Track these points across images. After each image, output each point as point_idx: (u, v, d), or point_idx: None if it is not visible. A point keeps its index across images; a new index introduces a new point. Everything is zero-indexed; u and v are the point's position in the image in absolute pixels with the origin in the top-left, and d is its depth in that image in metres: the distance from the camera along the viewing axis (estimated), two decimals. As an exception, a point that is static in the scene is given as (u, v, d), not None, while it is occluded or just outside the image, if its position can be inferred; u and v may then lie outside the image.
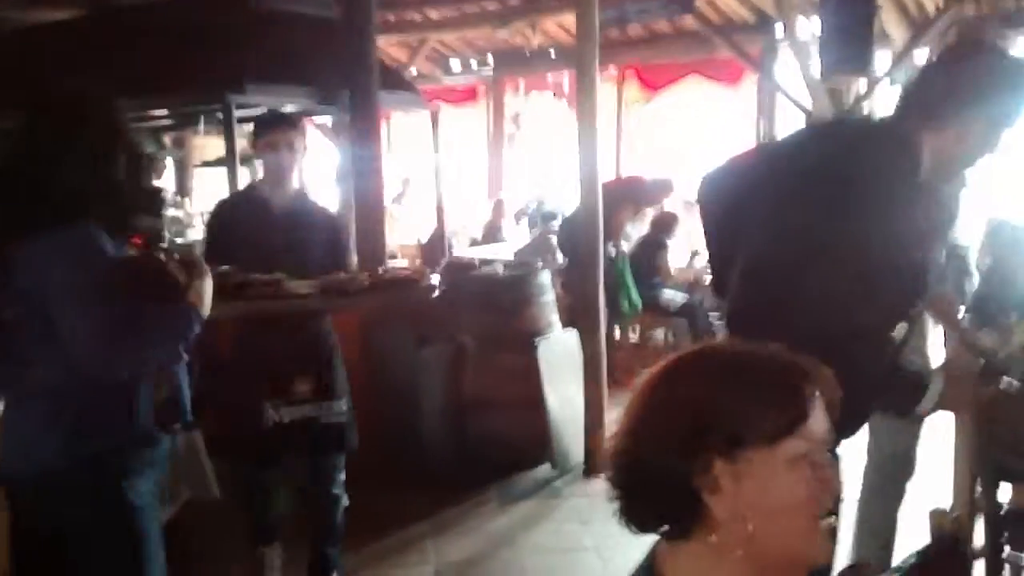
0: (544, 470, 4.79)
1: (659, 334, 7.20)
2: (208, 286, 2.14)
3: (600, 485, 4.28)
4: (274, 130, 3.33)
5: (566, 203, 9.75)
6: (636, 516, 1.17)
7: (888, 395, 1.96)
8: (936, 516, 1.37)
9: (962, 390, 2.02)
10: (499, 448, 4.73)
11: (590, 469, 4.75)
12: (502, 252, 8.12)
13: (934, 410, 1.97)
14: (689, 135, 10.33)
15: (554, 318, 5.00)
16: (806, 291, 1.81)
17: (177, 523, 2.29)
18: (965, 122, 1.89)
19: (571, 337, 5.00)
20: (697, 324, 6.84)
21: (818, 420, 1.11)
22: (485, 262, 5.19)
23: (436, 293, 4.07)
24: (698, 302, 6.96)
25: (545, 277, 4.96)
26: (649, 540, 1.21)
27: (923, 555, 1.35)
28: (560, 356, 4.86)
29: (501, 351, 4.74)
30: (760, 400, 1.10)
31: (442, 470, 4.61)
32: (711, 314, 7.06)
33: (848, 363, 1.23)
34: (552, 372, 4.76)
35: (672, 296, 6.98)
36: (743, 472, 1.09)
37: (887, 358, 1.88)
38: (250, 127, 3.73)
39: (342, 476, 3.45)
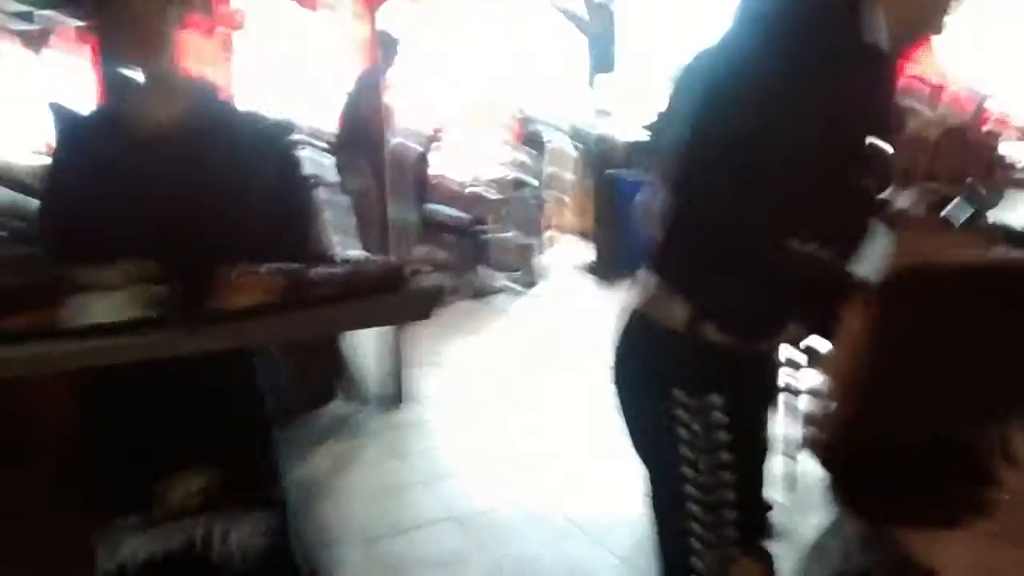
0: (337, 407, 4.31)
1: (431, 252, 6.83)
2: None
3: (408, 415, 3.95)
4: None
5: (307, 117, 9.05)
6: (891, 507, 0.82)
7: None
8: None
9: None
10: (285, 389, 4.18)
11: (392, 400, 4.36)
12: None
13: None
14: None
15: (337, 238, 4.47)
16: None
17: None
18: None
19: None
20: (470, 241, 6.57)
21: None
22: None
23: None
24: (471, 218, 6.68)
25: (340, 198, 4.40)
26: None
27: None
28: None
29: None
30: None
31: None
32: (483, 230, 6.85)
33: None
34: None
35: (445, 212, 6.63)
36: None
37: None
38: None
39: None
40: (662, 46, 7.62)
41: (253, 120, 1.90)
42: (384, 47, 5.95)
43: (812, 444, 0.87)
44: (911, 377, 0.80)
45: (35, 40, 6.54)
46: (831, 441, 0.84)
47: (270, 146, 1.85)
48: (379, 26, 4.90)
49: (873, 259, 1.40)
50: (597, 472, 3.56)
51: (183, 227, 1.63)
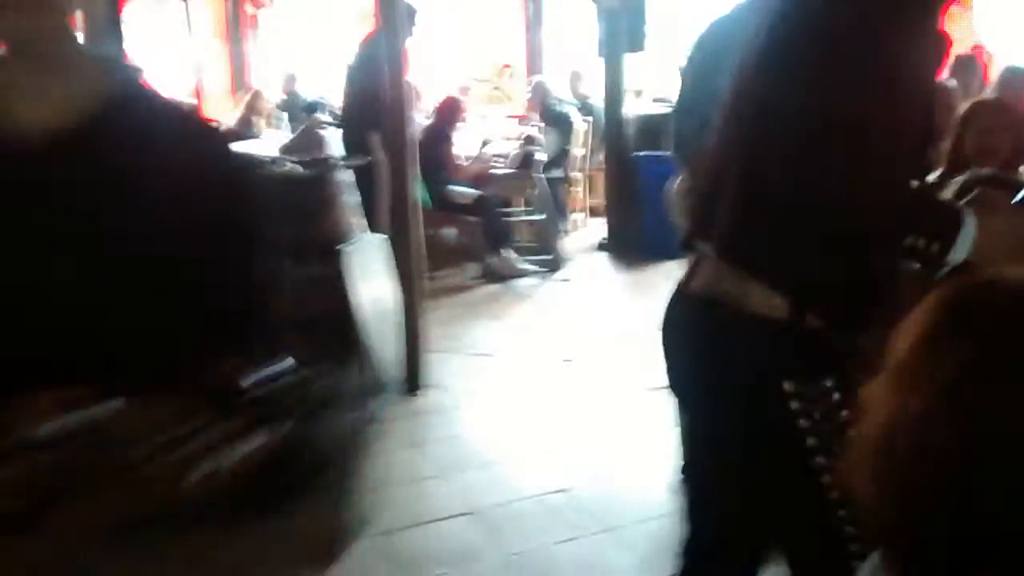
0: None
1: (449, 233, 6.75)
2: None
3: (425, 402, 3.88)
4: None
5: (328, 92, 8.97)
6: None
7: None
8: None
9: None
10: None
11: (410, 386, 4.30)
12: (261, 149, 7.29)
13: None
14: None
15: (359, 221, 4.40)
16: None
17: None
18: None
19: (378, 242, 4.45)
20: (490, 221, 6.46)
21: None
22: (275, 160, 4.46)
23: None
24: (490, 197, 6.58)
25: (346, 175, 4.32)
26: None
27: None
28: (369, 263, 4.30)
29: (300, 261, 4.09)
30: None
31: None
32: (503, 210, 6.75)
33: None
34: (360, 282, 4.20)
35: (462, 191, 6.53)
36: None
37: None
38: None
39: None
40: (689, 23, 7.47)
41: (184, 123, 1.24)
42: (401, 17, 5.81)
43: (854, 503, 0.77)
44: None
45: None
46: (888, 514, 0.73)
47: (211, 169, 1.18)
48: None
49: (964, 246, 1.43)
50: (619, 466, 3.50)
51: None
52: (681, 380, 1.67)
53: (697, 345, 1.60)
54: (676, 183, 3.04)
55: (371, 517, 2.99)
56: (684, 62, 2.99)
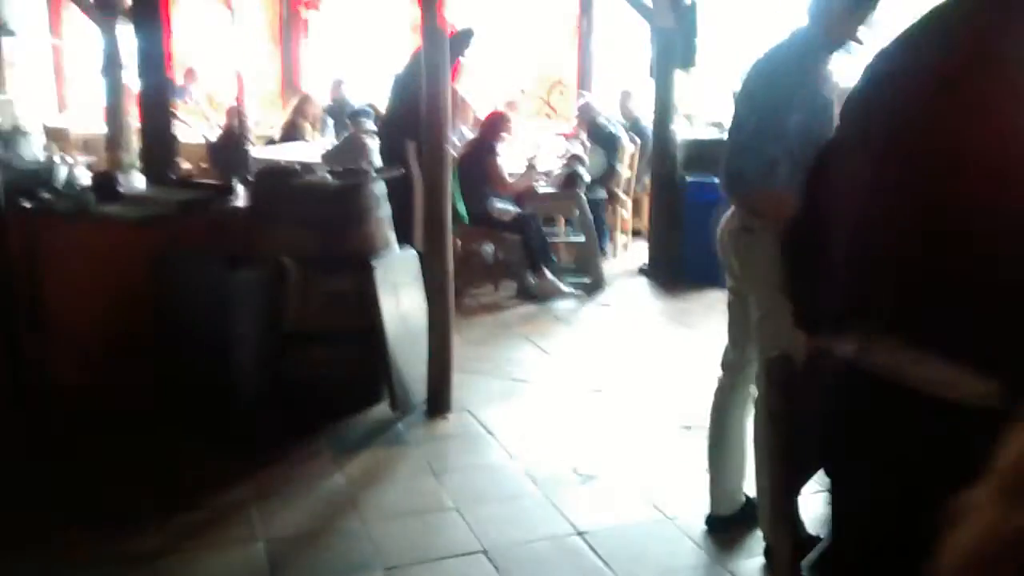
0: (382, 411, 4.15)
1: (488, 249, 6.62)
2: None
3: (450, 427, 3.74)
4: None
5: (376, 99, 8.89)
6: None
7: None
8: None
9: None
10: (327, 388, 4.03)
11: (436, 408, 4.17)
12: (305, 155, 7.25)
13: None
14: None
15: (391, 235, 4.28)
16: None
17: None
18: None
19: (410, 257, 4.34)
20: (530, 239, 6.32)
21: None
22: (306, 169, 4.37)
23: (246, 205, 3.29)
24: (531, 215, 6.44)
25: (380, 187, 4.21)
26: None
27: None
28: (400, 279, 4.19)
29: (330, 274, 3.99)
30: None
31: (260, 420, 3.84)
32: (542, 227, 6.60)
33: None
34: (390, 298, 4.08)
35: (503, 207, 6.40)
36: None
37: None
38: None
39: None
40: (741, 46, 7.28)
41: None
42: (457, 36, 5.72)
43: None
44: None
45: None
46: None
47: None
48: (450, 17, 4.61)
49: None
50: (643, 510, 3.32)
51: None
52: (832, 452, 1.49)
53: (864, 424, 1.43)
54: (726, 217, 2.89)
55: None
56: (738, 91, 2.83)
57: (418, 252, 4.37)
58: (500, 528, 3.17)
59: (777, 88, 2.59)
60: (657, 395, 4.49)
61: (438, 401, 4.20)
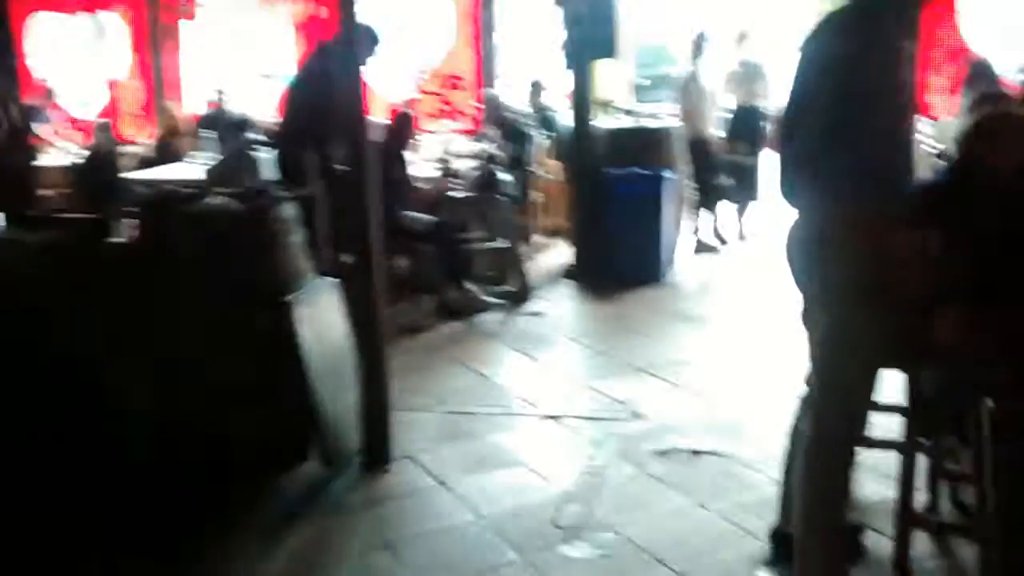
0: (311, 469, 3.51)
1: (401, 263, 6.02)
2: None
3: (395, 481, 3.10)
4: None
5: (260, 109, 8.18)
6: None
7: None
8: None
9: None
10: (240, 449, 3.37)
11: (374, 458, 3.57)
12: (186, 174, 6.53)
13: None
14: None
15: (305, 264, 3.65)
16: None
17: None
18: None
19: (328, 285, 3.72)
20: (447, 249, 5.76)
21: None
22: (196, 191, 3.70)
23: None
24: (447, 223, 5.88)
25: (291, 209, 3.57)
26: None
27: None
28: (319, 312, 3.57)
29: (236, 314, 3.35)
30: None
31: (156, 496, 3.13)
32: (461, 235, 6.05)
33: None
34: (311, 335, 3.47)
35: (416, 217, 5.82)
36: None
37: None
38: None
39: None
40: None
41: None
42: (361, 38, 5.13)
43: None
44: None
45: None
46: None
47: None
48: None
49: None
50: (643, 571, 2.82)
51: None
52: None
53: None
54: (795, 228, 2.41)
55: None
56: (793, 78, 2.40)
57: (337, 276, 3.77)
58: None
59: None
60: (620, 417, 4.01)
61: (376, 449, 3.60)
